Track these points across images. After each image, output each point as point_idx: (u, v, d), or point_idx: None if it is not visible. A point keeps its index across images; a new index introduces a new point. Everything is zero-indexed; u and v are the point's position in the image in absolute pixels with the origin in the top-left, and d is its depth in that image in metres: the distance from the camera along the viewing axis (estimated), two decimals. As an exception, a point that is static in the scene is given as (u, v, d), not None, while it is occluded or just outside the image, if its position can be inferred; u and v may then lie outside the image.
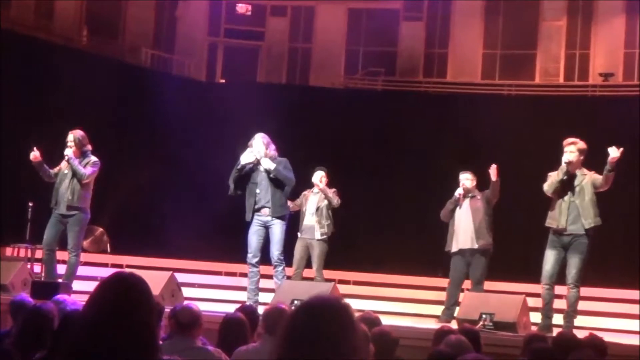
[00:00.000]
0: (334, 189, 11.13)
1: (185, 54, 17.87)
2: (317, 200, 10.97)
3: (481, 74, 17.80)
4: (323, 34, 18.31)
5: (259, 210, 9.91)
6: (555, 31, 17.45)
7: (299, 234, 10.84)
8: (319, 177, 10.99)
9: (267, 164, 9.86)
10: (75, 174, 10.08)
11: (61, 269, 10.70)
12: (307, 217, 10.87)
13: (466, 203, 10.41)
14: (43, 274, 10.68)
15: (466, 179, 10.45)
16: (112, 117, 15.42)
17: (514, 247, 14.27)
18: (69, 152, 10.13)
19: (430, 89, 17.34)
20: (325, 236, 10.88)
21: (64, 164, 10.21)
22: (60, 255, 10.54)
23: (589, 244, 9.12)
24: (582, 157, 9.28)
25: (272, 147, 10.02)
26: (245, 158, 9.87)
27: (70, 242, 10.09)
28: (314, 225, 10.85)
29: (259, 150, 9.90)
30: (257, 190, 9.88)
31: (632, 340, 8.84)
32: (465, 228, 10.29)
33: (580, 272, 9.10)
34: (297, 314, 2.37)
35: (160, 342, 4.99)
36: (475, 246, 10.21)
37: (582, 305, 9.64)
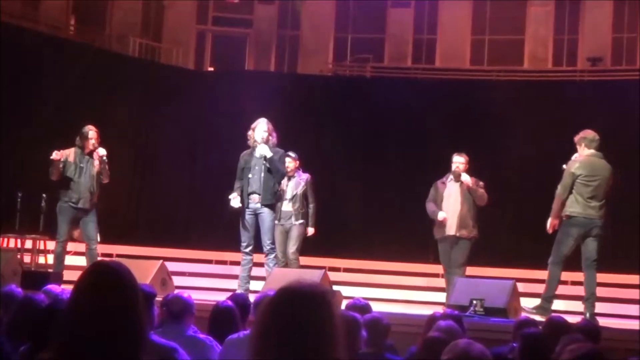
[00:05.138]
0: (307, 175, 11.08)
1: (173, 42, 17.80)
2: (293, 187, 10.94)
3: (470, 60, 17.79)
4: (311, 21, 18.26)
5: (249, 195, 9.91)
6: (543, 16, 17.44)
7: (275, 221, 10.72)
8: (288, 164, 10.75)
9: (264, 151, 9.85)
10: (103, 173, 10.32)
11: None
12: (285, 204, 10.83)
13: (456, 188, 10.36)
14: (39, 264, 10.65)
15: (460, 163, 10.40)
16: (100, 107, 15.36)
17: (504, 232, 14.31)
18: (104, 151, 10.34)
19: (418, 75, 17.33)
20: (302, 220, 10.88)
21: (70, 154, 10.26)
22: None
23: (561, 227, 9.27)
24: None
25: (274, 134, 10.03)
26: (234, 203, 9.91)
27: (92, 234, 10.36)
28: (291, 211, 10.85)
29: (260, 135, 9.90)
30: (250, 175, 9.89)
31: (630, 324, 8.89)
32: (452, 213, 10.27)
33: (552, 252, 9.27)
34: (272, 300, 2.35)
35: (152, 331, 4.98)
36: (458, 234, 10.22)
37: (577, 290, 9.68)
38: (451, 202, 10.31)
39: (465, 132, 14.50)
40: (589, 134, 9.40)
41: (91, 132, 10.35)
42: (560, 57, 17.41)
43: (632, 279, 12.18)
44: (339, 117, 15.89)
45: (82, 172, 10.23)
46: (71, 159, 10.25)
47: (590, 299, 9.13)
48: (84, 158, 10.30)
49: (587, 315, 8.96)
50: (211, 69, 18.61)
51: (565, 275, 10.01)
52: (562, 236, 9.25)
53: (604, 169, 9.32)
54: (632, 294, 11.86)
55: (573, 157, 9.45)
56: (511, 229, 14.32)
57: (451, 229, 10.25)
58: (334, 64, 18.21)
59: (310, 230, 11.00)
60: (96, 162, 10.31)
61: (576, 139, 9.44)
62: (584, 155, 9.32)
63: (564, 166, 9.46)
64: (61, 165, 10.23)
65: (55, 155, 10.16)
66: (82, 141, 10.32)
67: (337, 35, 18.40)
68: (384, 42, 18.16)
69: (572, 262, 9.43)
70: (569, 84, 16.24)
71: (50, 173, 10.25)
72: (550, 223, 9.32)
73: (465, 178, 10.27)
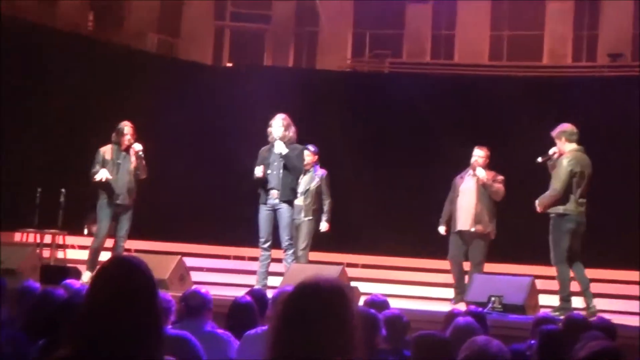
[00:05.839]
0: (323, 170, 11.04)
1: (192, 38, 17.82)
2: (307, 181, 10.89)
3: (488, 56, 17.73)
4: (329, 17, 18.24)
5: (268, 191, 9.92)
6: (563, 12, 17.35)
7: None
8: (306, 157, 10.67)
9: (280, 148, 9.85)
10: (140, 168, 10.33)
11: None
12: (297, 198, 10.78)
13: (473, 182, 10.27)
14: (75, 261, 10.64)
15: (479, 156, 10.30)
16: (119, 103, 15.40)
17: (522, 228, 14.23)
18: (140, 146, 10.31)
19: (437, 71, 17.28)
20: (312, 217, 10.83)
21: (107, 151, 10.26)
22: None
23: (555, 226, 9.22)
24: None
25: (292, 129, 10.02)
26: (257, 172, 9.89)
27: (125, 232, 10.33)
28: (302, 206, 10.80)
29: (277, 131, 9.90)
30: (269, 171, 9.89)
31: (630, 320, 8.86)
32: (467, 208, 10.18)
33: (553, 253, 9.21)
34: (290, 295, 2.34)
35: (170, 326, 4.99)
36: (473, 229, 10.13)
37: (594, 287, 9.64)
38: (467, 197, 10.23)
39: (484, 128, 14.44)
40: (567, 127, 9.31)
41: (127, 128, 10.34)
42: (580, 53, 17.32)
43: (632, 275, 12.13)
44: (357, 112, 15.87)
45: (120, 169, 10.25)
46: (108, 156, 10.25)
47: (587, 289, 9.16)
48: (121, 154, 10.30)
49: (591, 304, 8.99)
50: (229, 64, 18.62)
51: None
52: (559, 234, 9.19)
53: (589, 166, 9.28)
54: (632, 290, 11.81)
55: (550, 152, 9.36)
56: (529, 225, 14.25)
57: (466, 224, 10.18)
58: (352, 59, 18.19)
59: (325, 226, 10.97)
60: (133, 158, 10.32)
61: (554, 133, 9.34)
62: (571, 151, 9.22)
63: (539, 159, 9.41)
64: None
65: (107, 178, 10.14)
66: (118, 137, 10.32)
67: (355, 31, 18.38)
68: (403, 38, 18.13)
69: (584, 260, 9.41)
70: (589, 80, 16.14)
71: (92, 175, 10.20)
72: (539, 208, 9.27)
73: (481, 173, 10.18)
